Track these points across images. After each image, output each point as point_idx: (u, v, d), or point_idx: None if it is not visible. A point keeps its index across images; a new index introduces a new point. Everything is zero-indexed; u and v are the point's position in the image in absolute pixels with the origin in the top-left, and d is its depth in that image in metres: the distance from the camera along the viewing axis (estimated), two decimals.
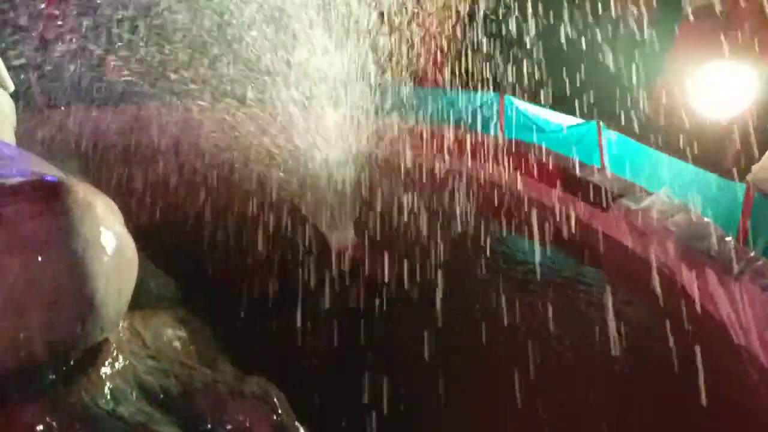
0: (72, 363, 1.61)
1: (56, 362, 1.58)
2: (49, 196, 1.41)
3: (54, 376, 1.56)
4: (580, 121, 4.61)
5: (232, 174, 4.02)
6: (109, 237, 1.55)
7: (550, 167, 4.34)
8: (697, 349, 2.71)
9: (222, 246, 3.42)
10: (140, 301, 2.04)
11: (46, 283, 1.47)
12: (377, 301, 2.99)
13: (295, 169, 4.02)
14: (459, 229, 3.90)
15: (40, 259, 1.45)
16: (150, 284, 2.45)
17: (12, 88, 3.15)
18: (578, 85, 4.77)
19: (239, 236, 3.47)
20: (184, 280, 2.97)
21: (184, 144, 4.40)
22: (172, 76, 4.25)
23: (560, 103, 5.12)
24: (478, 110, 5.14)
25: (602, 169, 4.22)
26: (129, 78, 4.56)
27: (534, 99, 5.13)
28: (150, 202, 3.70)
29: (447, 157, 4.84)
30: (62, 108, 4.77)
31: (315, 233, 3.66)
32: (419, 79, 5.26)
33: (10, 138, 2.53)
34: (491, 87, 5.23)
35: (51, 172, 1.67)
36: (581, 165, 4.20)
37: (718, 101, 4.63)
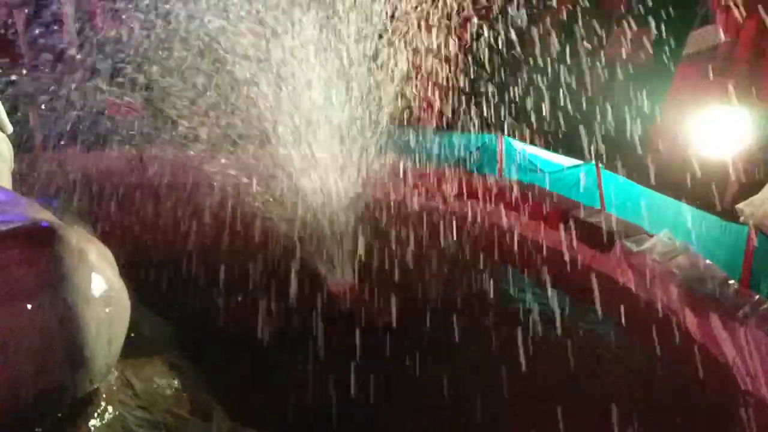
0: (60, 414, 1.56)
1: (44, 413, 1.53)
2: (41, 243, 1.38)
3: (41, 429, 1.51)
4: (578, 162, 4.62)
5: (230, 215, 4.00)
6: (101, 285, 1.51)
7: (550, 208, 4.33)
8: (702, 394, 2.66)
9: (217, 287, 3.38)
10: (133, 345, 1.99)
11: (35, 331, 1.44)
12: (375, 345, 2.94)
13: (293, 210, 4.01)
14: (459, 269, 3.87)
15: (29, 306, 1.42)
16: (143, 327, 2.40)
17: (11, 130, 3.15)
18: (577, 126, 4.79)
19: (235, 277, 3.44)
20: (178, 323, 2.93)
21: (181, 184, 4.40)
22: (173, 118, 4.28)
23: (559, 144, 5.14)
24: (477, 151, 5.16)
25: (602, 210, 4.20)
26: (130, 119, 4.60)
27: (533, 140, 5.15)
28: (145, 242, 3.68)
29: (446, 197, 4.84)
30: (61, 149, 4.78)
31: (313, 275, 3.63)
32: (418, 120, 5.29)
33: (7, 180, 2.52)
34: (490, 128, 5.26)
35: (46, 217, 1.65)
36: (581, 206, 4.19)
37: (717, 143, 4.64)
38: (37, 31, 6.64)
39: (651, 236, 3.70)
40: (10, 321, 1.47)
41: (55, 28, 6.50)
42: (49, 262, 1.36)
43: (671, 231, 3.70)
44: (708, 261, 3.35)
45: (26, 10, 7.77)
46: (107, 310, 1.52)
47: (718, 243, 3.55)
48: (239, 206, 3.98)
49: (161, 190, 4.32)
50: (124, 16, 5.06)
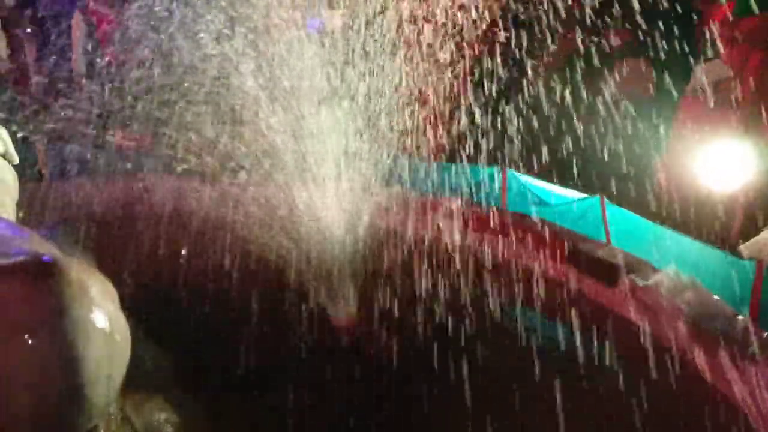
0: None
1: None
2: (42, 278, 1.36)
3: None
4: (583, 195, 4.60)
5: (233, 246, 3.99)
6: (101, 320, 1.49)
7: (555, 241, 4.30)
8: None
9: (219, 320, 3.36)
10: (133, 380, 1.96)
11: (34, 367, 1.41)
12: (379, 380, 2.90)
13: (296, 241, 4.00)
14: (462, 302, 3.83)
15: (28, 342, 1.39)
16: (144, 362, 2.37)
17: (17, 160, 3.15)
18: (581, 159, 4.80)
19: (237, 309, 3.42)
20: (180, 355, 2.90)
21: (183, 215, 4.40)
22: (176, 149, 4.31)
23: (562, 177, 5.13)
24: (481, 183, 5.15)
25: (608, 243, 4.17)
26: (137, 150, 4.63)
27: (537, 173, 5.14)
28: (148, 273, 3.66)
29: (450, 229, 4.82)
30: (67, 178, 4.80)
31: (316, 308, 3.60)
32: (421, 152, 5.30)
33: (11, 211, 2.51)
34: (494, 160, 5.26)
35: (48, 251, 1.64)
36: (586, 240, 4.16)
37: (723, 176, 4.63)
38: (46, 60, 6.74)
39: (658, 271, 3.67)
40: (8, 357, 1.44)
41: (65, 57, 6.59)
42: (49, 298, 1.34)
43: (677, 265, 3.67)
44: (716, 297, 3.31)
45: (36, 39, 7.89)
46: (108, 346, 1.50)
47: (725, 278, 3.51)
48: (240, 236, 3.98)
49: (164, 220, 4.32)
50: (134, 46, 5.13)
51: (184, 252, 4.04)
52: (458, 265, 4.12)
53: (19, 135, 4.43)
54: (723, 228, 4.22)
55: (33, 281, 1.35)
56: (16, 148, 3.23)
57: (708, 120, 4.96)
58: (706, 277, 3.51)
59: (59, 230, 3.61)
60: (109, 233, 4.10)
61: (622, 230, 4.16)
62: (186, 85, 4.41)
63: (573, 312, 3.65)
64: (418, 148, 5.20)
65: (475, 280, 4.06)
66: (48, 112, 5.12)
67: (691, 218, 4.13)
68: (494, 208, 4.90)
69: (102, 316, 1.49)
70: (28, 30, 7.68)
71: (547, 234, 4.33)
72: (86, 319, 1.46)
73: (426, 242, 4.37)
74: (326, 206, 4.14)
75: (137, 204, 4.55)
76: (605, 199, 4.27)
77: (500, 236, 4.55)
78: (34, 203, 4.04)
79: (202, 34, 4.40)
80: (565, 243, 4.21)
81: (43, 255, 1.49)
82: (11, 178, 2.88)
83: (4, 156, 3.29)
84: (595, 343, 3.46)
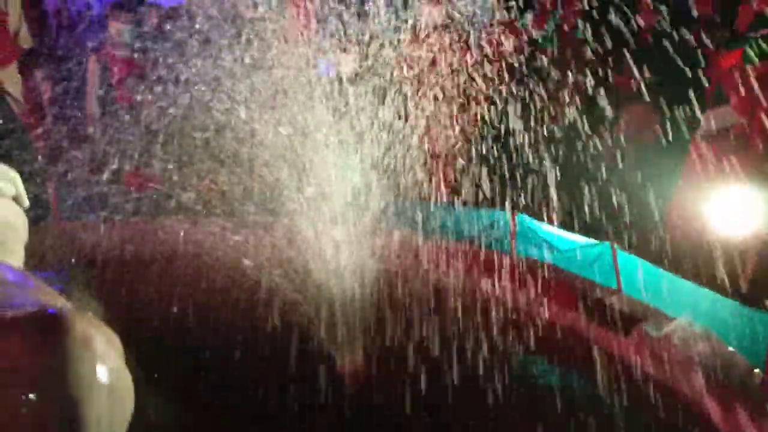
0: None
1: None
2: (46, 332, 1.33)
3: None
4: (593, 241, 4.57)
5: (238, 288, 3.96)
6: (104, 374, 1.46)
7: (566, 288, 4.25)
8: None
9: (222, 364, 3.31)
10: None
11: (35, 421, 1.38)
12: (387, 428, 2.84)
13: (302, 285, 3.98)
14: (471, 349, 3.77)
15: (30, 396, 1.36)
16: (147, 413, 2.33)
17: (27, 204, 3.18)
18: (590, 204, 4.78)
19: (241, 354, 3.37)
20: (183, 402, 2.86)
21: (191, 258, 4.40)
22: (189, 191, 4.33)
23: (572, 223, 5.11)
24: (490, 228, 5.13)
25: (619, 291, 4.12)
26: (148, 192, 4.66)
27: (546, 218, 5.13)
28: (154, 318, 3.64)
29: (459, 274, 4.78)
30: (77, 220, 4.82)
31: (322, 352, 3.56)
32: (429, 196, 5.31)
33: (19, 256, 2.50)
34: (503, 205, 5.26)
35: (53, 301, 1.62)
36: (598, 286, 4.11)
37: (733, 223, 4.59)
38: (61, 102, 6.85)
39: (671, 320, 3.61)
40: (10, 411, 1.41)
41: (80, 99, 6.70)
42: (52, 352, 1.31)
43: (690, 314, 3.61)
44: (731, 349, 3.24)
45: (52, 80, 8.05)
46: (110, 402, 1.46)
47: (739, 329, 3.45)
48: (246, 281, 3.96)
49: (170, 263, 4.32)
50: (148, 90, 5.21)
51: (190, 294, 4.02)
52: (466, 311, 4.08)
53: (32, 176, 4.48)
54: (734, 275, 4.16)
55: (37, 336, 1.33)
56: (27, 190, 3.26)
57: (718, 165, 4.96)
58: (719, 327, 3.44)
59: (67, 273, 3.62)
60: (119, 276, 4.09)
61: (633, 277, 4.12)
62: (199, 128, 4.46)
63: (584, 361, 3.59)
64: (427, 191, 5.20)
65: (484, 327, 4.01)
66: (61, 153, 5.18)
67: (702, 265, 4.08)
68: (503, 253, 4.87)
69: (105, 372, 1.47)
70: (45, 71, 7.84)
71: (557, 280, 4.28)
72: (89, 376, 1.43)
73: (432, 287, 4.34)
74: (333, 249, 4.12)
75: (149, 246, 4.56)
76: (616, 246, 4.24)
77: (509, 281, 4.50)
78: (44, 245, 4.05)
79: (216, 79, 4.47)
80: (576, 289, 4.16)
81: (48, 308, 1.47)
82: (21, 222, 2.89)
83: (15, 199, 3.32)
84: (607, 393, 3.39)
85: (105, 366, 1.50)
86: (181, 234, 4.59)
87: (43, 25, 9.43)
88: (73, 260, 4.16)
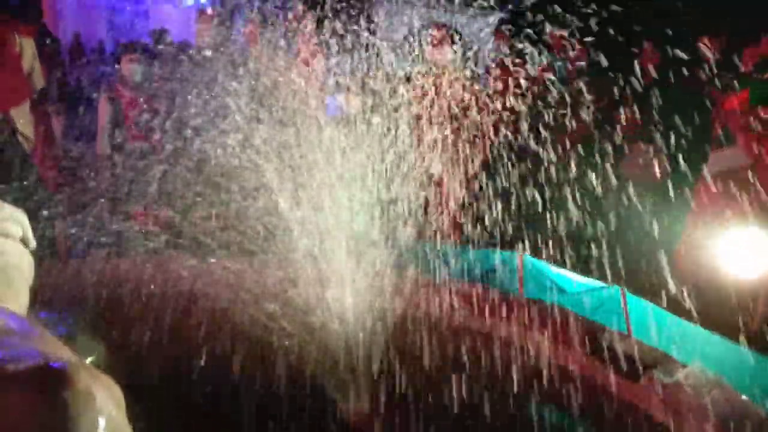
0: None
1: None
2: (46, 389, 1.32)
3: None
4: (601, 283, 4.52)
5: (243, 332, 3.93)
6: (104, 429, 1.44)
7: (574, 331, 4.19)
8: None
9: (227, 410, 3.27)
10: None
11: None
12: None
13: (304, 327, 3.94)
14: (478, 392, 3.71)
15: None
16: None
17: (34, 245, 3.18)
18: (597, 246, 4.75)
19: (241, 399, 3.33)
20: None
21: (195, 296, 4.38)
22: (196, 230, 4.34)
23: (579, 265, 5.08)
24: (497, 269, 5.10)
25: (629, 335, 4.06)
26: (156, 230, 4.67)
27: (554, 259, 5.09)
28: (158, 357, 3.60)
29: (466, 315, 4.72)
30: (84, 259, 4.82)
31: (324, 399, 3.51)
32: (436, 236, 5.30)
33: (24, 301, 2.49)
34: (510, 246, 5.23)
35: (56, 353, 1.60)
36: (607, 330, 4.05)
37: (742, 265, 4.55)
38: (72, 140, 6.94)
39: (682, 366, 3.54)
40: None
41: (90, 137, 6.78)
42: (52, 410, 1.29)
43: (701, 361, 3.54)
44: (744, 397, 3.17)
45: (63, 119, 8.16)
46: None
47: (751, 377, 3.38)
48: (252, 323, 3.92)
49: (176, 302, 4.30)
50: (159, 130, 5.27)
51: (196, 335, 3.99)
52: (472, 354, 4.02)
53: (41, 215, 4.51)
54: (746, 320, 4.10)
55: (38, 392, 1.31)
56: (34, 229, 3.27)
57: (726, 207, 4.93)
58: (731, 374, 3.37)
59: (71, 313, 3.60)
60: (124, 316, 4.08)
61: (643, 322, 4.06)
62: (208, 168, 4.49)
63: (593, 408, 3.52)
64: (433, 232, 5.20)
65: (490, 370, 3.95)
66: (70, 192, 5.21)
67: (712, 309, 4.03)
68: (511, 294, 4.83)
69: (105, 425, 1.44)
70: (57, 109, 7.97)
71: (566, 323, 4.22)
72: (90, 429, 1.41)
73: (437, 329, 4.29)
74: (340, 289, 4.09)
75: (156, 285, 4.55)
76: (625, 290, 4.19)
77: (517, 324, 4.45)
78: (49, 284, 4.05)
79: (227, 121, 4.52)
80: (585, 333, 4.10)
81: (50, 361, 1.45)
82: (27, 263, 2.88)
83: (22, 240, 3.32)
84: None
85: (105, 420, 1.47)
86: (192, 273, 4.58)
87: (55, 64, 9.61)
88: (78, 299, 4.16)
